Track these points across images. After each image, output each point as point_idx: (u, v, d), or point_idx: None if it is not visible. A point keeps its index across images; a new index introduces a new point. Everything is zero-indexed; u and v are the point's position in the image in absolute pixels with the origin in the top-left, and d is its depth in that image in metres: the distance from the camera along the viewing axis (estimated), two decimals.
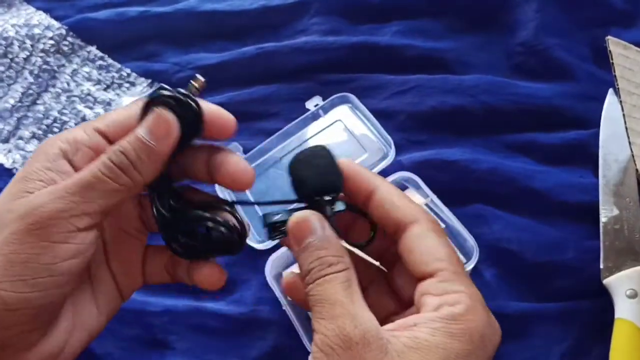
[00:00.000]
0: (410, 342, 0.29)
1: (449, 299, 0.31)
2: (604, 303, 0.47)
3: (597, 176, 0.52)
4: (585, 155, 0.54)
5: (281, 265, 0.51)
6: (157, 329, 0.51)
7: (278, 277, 0.50)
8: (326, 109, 0.59)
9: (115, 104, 0.64)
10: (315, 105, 0.59)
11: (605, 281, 0.47)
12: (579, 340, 0.47)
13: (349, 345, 0.29)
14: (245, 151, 0.58)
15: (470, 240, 0.49)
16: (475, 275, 0.50)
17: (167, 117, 0.33)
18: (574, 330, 0.47)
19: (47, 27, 0.68)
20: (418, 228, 0.33)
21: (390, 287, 0.37)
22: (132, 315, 0.51)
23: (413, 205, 0.35)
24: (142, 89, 0.65)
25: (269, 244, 0.51)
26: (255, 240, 0.52)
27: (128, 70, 0.66)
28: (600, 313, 0.47)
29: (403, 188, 0.53)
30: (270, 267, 0.50)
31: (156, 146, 0.33)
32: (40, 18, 0.70)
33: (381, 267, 0.34)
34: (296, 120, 0.58)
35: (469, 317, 0.30)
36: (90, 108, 0.64)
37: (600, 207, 0.50)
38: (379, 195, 0.35)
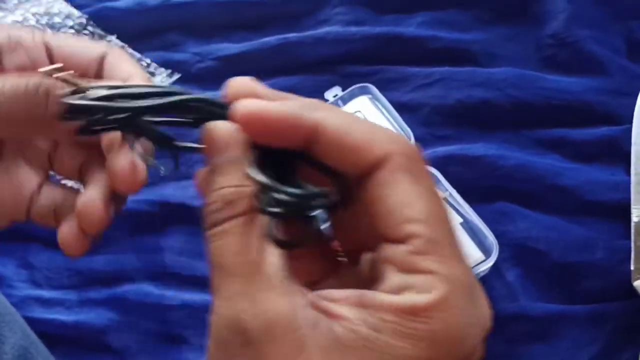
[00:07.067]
0: (346, 335, 0.21)
1: (416, 282, 0.22)
2: (635, 305, 0.46)
3: (629, 174, 0.51)
4: (617, 152, 0.53)
5: None
6: (174, 324, 0.50)
7: None
8: (345, 100, 0.58)
9: None
10: (335, 96, 0.58)
11: (635, 283, 0.46)
12: (609, 344, 0.46)
13: (247, 340, 0.22)
14: None
15: (490, 237, 0.47)
16: (496, 274, 0.49)
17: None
18: (603, 334, 0.46)
19: (68, 16, 0.68)
20: (387, 169, 0.23)
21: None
22: (150, 309, 0.51)
23: (380, 133, 0.24)
24: (162, 79, 0.64)
25: None
26: None
27: (148, 60, 0.65)
28: (630, 316, 0.46)
29: None
30: None
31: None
32: (61, 7, 0.69)
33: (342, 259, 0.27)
34: None
35: (437, 314, 0.21)
36: None
37: (632, 206, 0.49)
38: (328, 129, 0.24)
